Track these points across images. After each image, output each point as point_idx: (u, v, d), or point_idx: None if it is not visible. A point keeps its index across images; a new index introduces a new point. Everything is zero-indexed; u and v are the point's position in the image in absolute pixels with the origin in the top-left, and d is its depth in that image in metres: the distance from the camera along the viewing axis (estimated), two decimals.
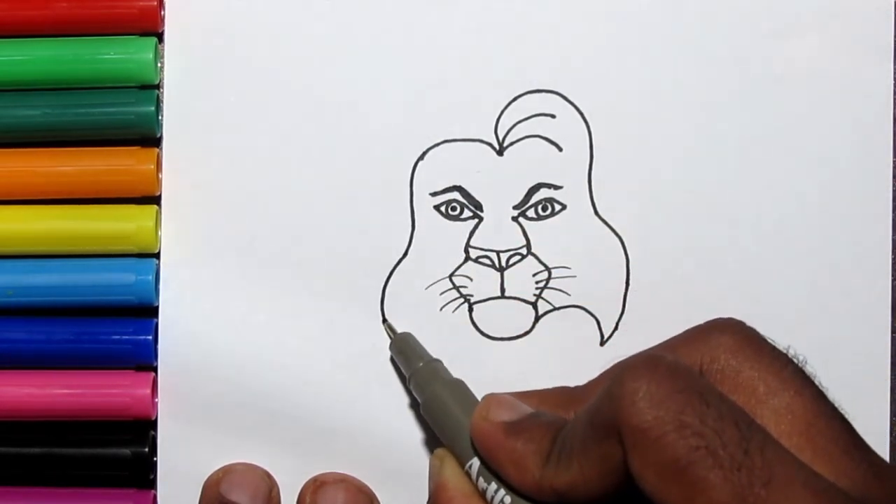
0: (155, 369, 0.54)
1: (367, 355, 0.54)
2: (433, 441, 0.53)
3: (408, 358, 0.52)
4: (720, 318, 0.44)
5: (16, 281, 0.53)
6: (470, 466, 0.46)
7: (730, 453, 0.37)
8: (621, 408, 0.39)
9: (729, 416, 0.38)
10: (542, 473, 0.42)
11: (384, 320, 0.54)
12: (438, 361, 0.51)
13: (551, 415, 0.45)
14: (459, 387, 0.49)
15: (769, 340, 0.43)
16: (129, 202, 0.54)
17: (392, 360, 0.53)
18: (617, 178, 0.54)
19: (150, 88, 0.53)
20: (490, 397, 0.46)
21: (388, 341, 0.53)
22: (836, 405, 0.41)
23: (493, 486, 0.44)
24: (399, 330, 0.53)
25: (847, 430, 0.41)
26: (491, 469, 0.45)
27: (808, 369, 0.42)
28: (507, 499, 0.44)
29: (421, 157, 0.54)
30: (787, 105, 0.54)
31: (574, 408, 0.46)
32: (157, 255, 0.54)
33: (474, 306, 0.54)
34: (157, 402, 0.54)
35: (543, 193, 0.54)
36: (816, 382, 0.42)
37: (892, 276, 0.54)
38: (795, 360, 0.42)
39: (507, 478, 0.44)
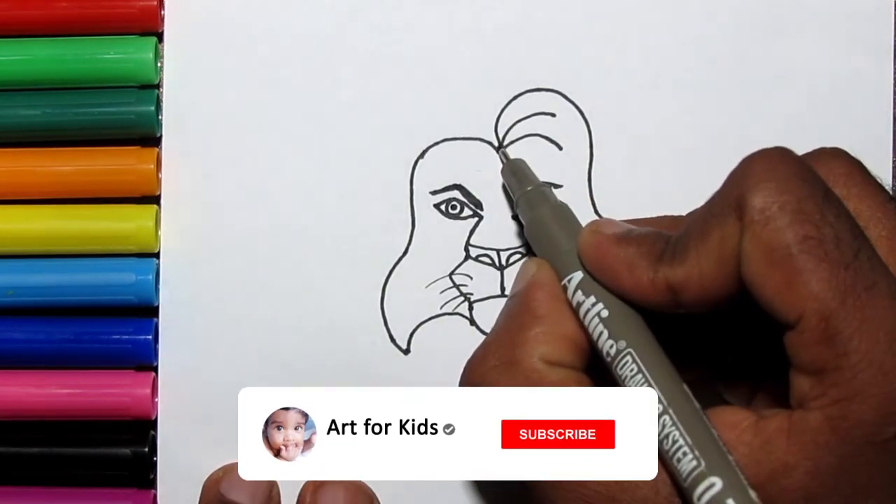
0: (155, 369, 0.54)
1: (367, 355, 0.53)
2: None
3: (519, 181, 0.51)
4: (829, 147, 0.44)
5: (16, 281, 0.53)
6: (569, 280, 0.46)
7: (841, 251, 0.38)
8: (746, 185, 0.39)
9: (846, 218, 0.39)
10: (656, 270, 0.42)
11: (499, 147, 0.53)
12: (548, 186, 0.51)
13: (660, 230, 0.45)
14: (566, 210, 0.50)
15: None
16: (129, 202, 0.54)
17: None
18: (617, 177, 0.54)
19: (150, 88, 0.53)
20: (597, 220, 0.47)
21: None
22: None
23: (592, 299, 0.45)
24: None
25: None
26: (595, 282, 0.45)
27: None
28: (605, 312, 0.44)
29: (421, 156, 0.54)
30: (787, 105, 0.54)
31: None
32: (157, 255, 0.54)
33: (474, 305, 0.54)
34: (157, 402, 0.54)
35: None
36: None
37: None
38: None
39: (617, 283, 0.44)
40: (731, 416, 0.41)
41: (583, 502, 0.42)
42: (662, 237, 0.43)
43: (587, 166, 0.54)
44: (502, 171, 0.53)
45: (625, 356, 0.43)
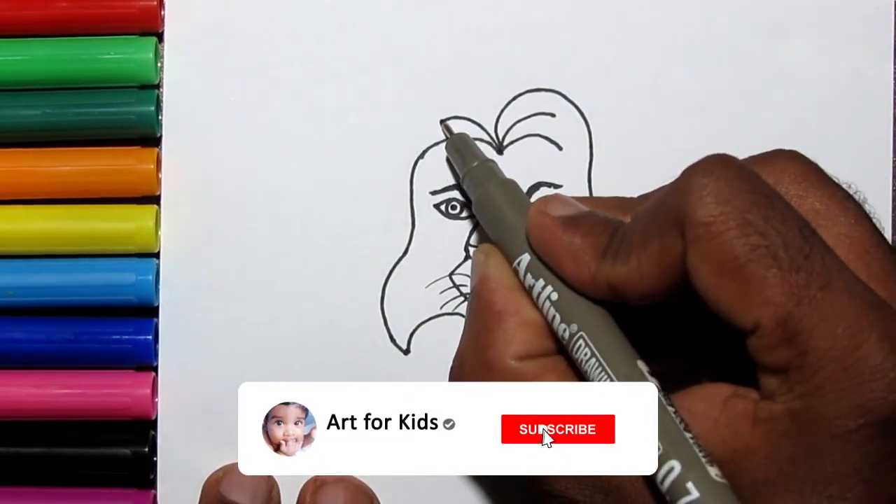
0: (155, 369, 0.54)
1: (367, 355, 0.53)
2: None
3: (463, 157, 0.51)
4: (786, 149, 0.44)
5: (16, 281, 0.53)
6: (519, 262, 0.46)
7: (790, 255, 0.38)
8: (688, 201, 0.39)
9: (793, 221, 0.39)
10: (598, 266, 0.42)
11: (442, 121, 0.53)
12: (493, 162, 0.51)
13: (609, 215, 0.45)
14: (513, 186, 0.49)
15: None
16: (129, 202, 0.54)
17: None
18: (617, 177, 0.54)
19: (150, 88, 0.53)
20: (547, 195, 0.46)
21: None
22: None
23: (541, 282, 0.44)
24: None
25: None
26: (543, 264, 0.45)
27: (868, 208, 0.43)
28: (555, 295, 0.44)
29: (421, 156, 0.54)
30: (787, 105, 0.54)
31: (631, 213, 0.45)
32: (157, 255, 0.54)
33: None
34: (157, 402, 0.54)
35: (543, 192, 0.53)
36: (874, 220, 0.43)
37: None
38: (855, 197, 0.43)
39: (561, 272, 0.44)
40: (707, 389, 0.41)
41: (572, 477, 0.43)
42: (609, 227, 0.43)
43: (587, 166, 0.54)
44: (446, 147, 0.53)
45: (578, 340, 0.43)
